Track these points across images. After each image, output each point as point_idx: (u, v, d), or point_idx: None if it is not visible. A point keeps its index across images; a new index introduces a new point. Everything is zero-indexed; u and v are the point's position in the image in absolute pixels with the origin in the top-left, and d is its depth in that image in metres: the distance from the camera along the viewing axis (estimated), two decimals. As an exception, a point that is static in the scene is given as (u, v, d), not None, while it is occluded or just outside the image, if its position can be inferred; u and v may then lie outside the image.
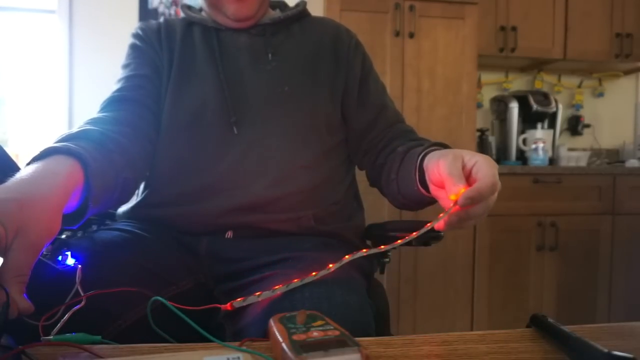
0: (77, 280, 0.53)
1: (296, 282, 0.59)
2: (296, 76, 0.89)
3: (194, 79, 0.87)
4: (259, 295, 0.56)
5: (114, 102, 0.83)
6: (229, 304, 0.54)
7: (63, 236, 0.73)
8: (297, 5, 0.98)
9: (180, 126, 0.85)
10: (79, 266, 0.55)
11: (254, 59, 0.89)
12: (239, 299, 0.55)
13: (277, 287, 0.58)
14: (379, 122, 0.93)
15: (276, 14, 0.97)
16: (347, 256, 0.63)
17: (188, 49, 0.91)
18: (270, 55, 0.90)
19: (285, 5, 1.02)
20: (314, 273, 0.61)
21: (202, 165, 0.82)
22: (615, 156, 3.11)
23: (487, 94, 2.97)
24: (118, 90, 0.86)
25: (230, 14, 0.89)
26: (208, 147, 0.83)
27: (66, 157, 0.56)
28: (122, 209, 0.89)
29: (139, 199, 0.87)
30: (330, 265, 0.62)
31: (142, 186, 0.88)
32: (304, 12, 0.98)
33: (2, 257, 0.45)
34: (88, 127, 0.70)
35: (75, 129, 0.68)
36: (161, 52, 0.91)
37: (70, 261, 0.57)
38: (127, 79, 0.88)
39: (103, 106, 0.83)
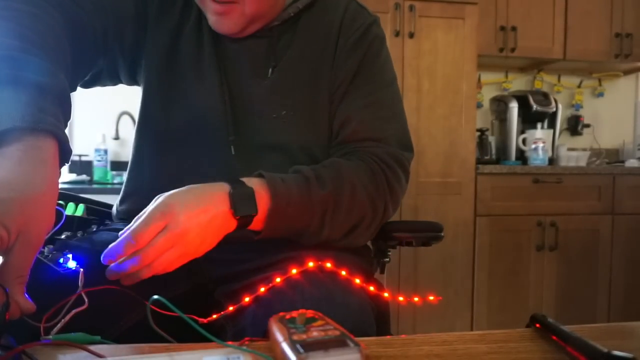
0: (80, 284, 0.53)
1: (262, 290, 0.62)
2: (295, 95, 0.79)
3: (197, 80, 0.79)
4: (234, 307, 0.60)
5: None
6: (206, 319, 0.55)
7: (63, 236, 0.73)
8: None
9: (177, 137, 0.79)
10: (81, 270, 0.55)
11: (252, 70, 0.79)
12: (214, 316, 0.57)
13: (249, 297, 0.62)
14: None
15: (288, 8, 0.80)
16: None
17: (198, 38, 0.79)
18: (270, 69, 0.79)
19: None
20: (278, 279, 0.63)
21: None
22: (614, 156, 3.11)
23: (487, 94, 2.97)
24: None
25: (211, 25, 0.76)
26: (203, 166, 0.78)
27: (46, 136, 0.52)
28: (117, 208, 0.87)
29: (124, 207, 0.83)
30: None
31: (122, 192, 0.84)
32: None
33: (3, 257, 0.45)
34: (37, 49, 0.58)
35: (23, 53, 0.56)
36: (157, 20, 0.78)
37: (72, 264, 0.57)
38: None
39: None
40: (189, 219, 0.58)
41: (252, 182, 0.66)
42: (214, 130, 0.78)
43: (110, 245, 0.57)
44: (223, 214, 0.61)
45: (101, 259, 0.57)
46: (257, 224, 0.66)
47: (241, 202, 0.63)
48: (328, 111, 0.80)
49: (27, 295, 0.46)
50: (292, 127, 0.78)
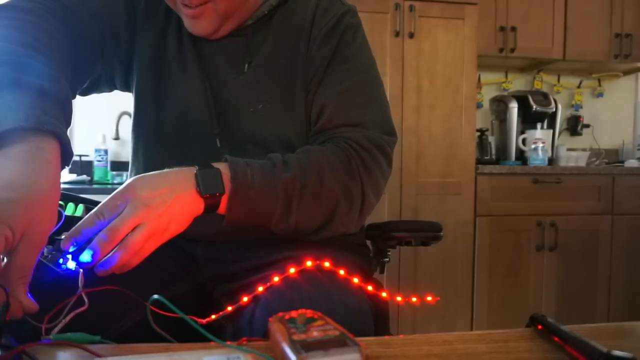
0: (80, 285, 0.53)
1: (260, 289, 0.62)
2: (271, 89, 0.80)
3: (182, 77, 0.81)
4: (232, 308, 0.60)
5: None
6: (205, 320, 0.54)
7: (62, 237, 0.73)
8: None
9: (167, 133, 0.80)
10: (81, 270, 0.55)
11: (230, 66, 0.81)
12: (213, 316, 0.56)
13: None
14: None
15: (262, 6, 0.82)
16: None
17: (180, 36, 0.82)
18: (246, 65, 0.80)
19: None
20: (276, 279, 0.62)
21: None
22: (614, 156, 3.11)
23: (487, 94, 2.97)
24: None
25: (187, 28, 0.78)
26: (192, 159, 0.75)
27: (49, 138, 0.52)
28: None
29: None
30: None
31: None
32: None
33: (6, 257, 0.46)
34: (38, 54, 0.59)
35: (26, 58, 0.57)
36: (145, 22, 0.80)
37: (71, 264, 0.57)
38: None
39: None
40: (152, 196, 0.58)
41: (219, 166, 0.66)
42: (200, 124, 0.79)
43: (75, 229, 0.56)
44: (189, 194, 0.62)
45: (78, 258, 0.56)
46: (222, 208, 0.65)
47: (206, 181, 0.63)
48: (305, 103, 0.80)
49: (29, 295, 0.47)
50: (268, 120, 0.79)
